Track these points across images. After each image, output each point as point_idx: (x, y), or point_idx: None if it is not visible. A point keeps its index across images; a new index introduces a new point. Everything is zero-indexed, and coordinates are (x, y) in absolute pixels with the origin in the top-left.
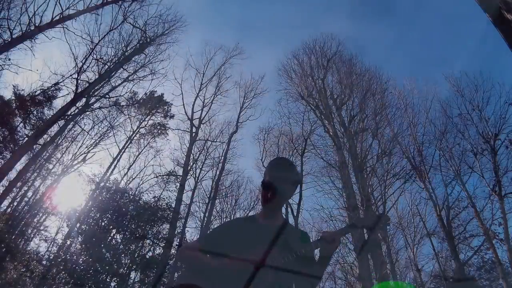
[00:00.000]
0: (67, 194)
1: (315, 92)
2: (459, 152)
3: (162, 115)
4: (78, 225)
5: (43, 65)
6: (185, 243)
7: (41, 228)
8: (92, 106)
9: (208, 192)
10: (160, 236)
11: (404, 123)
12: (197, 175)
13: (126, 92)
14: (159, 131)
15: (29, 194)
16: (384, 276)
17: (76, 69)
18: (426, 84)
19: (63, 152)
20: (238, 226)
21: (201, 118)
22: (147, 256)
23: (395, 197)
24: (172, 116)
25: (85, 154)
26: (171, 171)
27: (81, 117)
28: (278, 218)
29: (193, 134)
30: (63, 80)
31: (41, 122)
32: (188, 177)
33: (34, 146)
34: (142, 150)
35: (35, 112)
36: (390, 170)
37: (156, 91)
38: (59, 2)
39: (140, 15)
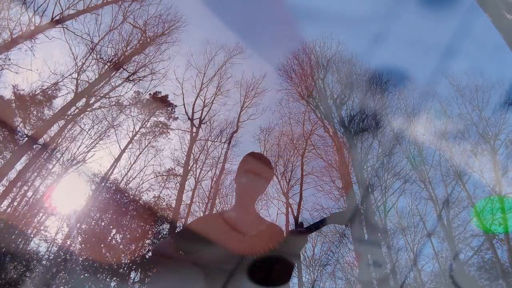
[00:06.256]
0: (67, 194)
1: (315, 92)
2: (459, 152)
3: (166, 116)
4: (78, 225)
5: (43, 65)
6: (158, 243)
7: (41, 228)
8: (92, 106)
9: (208, 192)
10: (160, 236)
11: (404, 123)
12: (197, 175)
13: (127, 92)
14: (161, 130)
15: (29, 194)
16: (384, 276)
17: (76, 69)
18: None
19: (63, 152)
20: (215, 220)
21: (202, 118)
22: (147, 256)
23: (395, 197)
24: (176, 118)
25: (85, 154)
26: (170, 168)
27: (81, 117)
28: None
29: (193, 134)
30: (63, 80)
31: (41, 122)
32: (188, 177)
33: (34, 146)
34: (143, 150)
35: (35, 112)
36: (390, 170)
37: (160, 91)
38: (59, 2)
39: (140, 15)
